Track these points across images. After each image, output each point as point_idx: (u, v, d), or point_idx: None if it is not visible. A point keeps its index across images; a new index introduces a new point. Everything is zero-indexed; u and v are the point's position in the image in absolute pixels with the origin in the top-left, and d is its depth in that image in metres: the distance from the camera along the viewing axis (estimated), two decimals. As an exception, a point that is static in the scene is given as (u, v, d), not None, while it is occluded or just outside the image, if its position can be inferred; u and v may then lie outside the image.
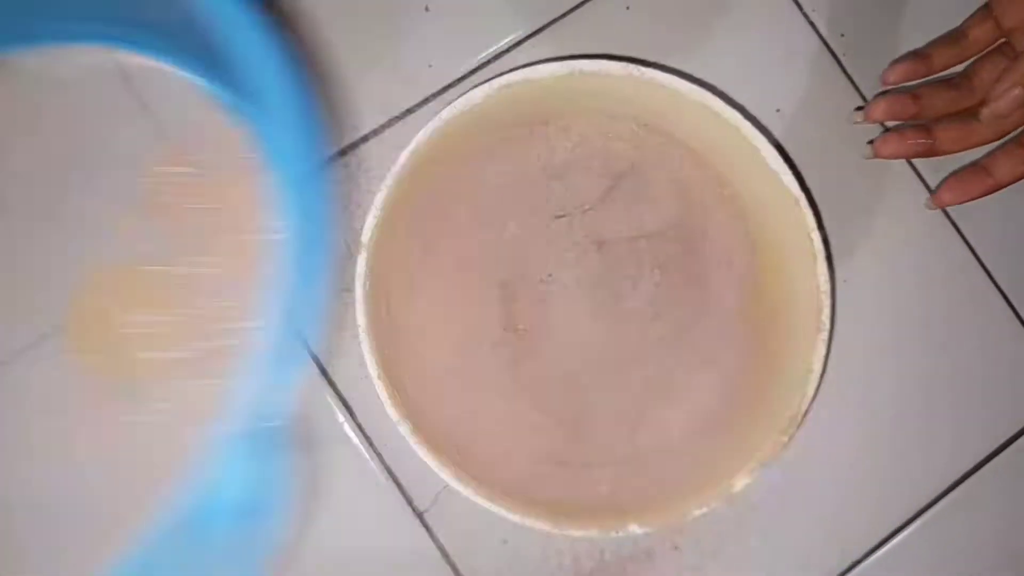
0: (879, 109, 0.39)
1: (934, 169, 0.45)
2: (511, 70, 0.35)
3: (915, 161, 0.45)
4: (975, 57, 0.40)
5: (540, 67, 0.35)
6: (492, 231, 0.40)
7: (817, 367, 0.36)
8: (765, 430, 0.36)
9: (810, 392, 0.36)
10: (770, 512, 0.43)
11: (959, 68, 0.41)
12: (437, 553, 0.41)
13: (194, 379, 0.41)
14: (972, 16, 0.40)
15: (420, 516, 0.41)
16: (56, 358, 0.40)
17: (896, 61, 0.41)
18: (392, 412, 0.34)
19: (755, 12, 0.44)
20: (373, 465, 0.41)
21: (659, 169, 0.40)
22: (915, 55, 0.41)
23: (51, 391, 0.40)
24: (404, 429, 0.34)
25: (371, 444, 0.41)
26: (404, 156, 0.34)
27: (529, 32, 0.44)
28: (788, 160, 0.36)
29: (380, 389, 0.34)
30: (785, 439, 0.35)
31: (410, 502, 0.41)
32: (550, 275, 0.41)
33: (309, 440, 0.41)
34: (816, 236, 0.36)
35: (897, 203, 0.45)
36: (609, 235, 0.41)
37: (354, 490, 0.41)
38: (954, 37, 0.40)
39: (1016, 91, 0.34)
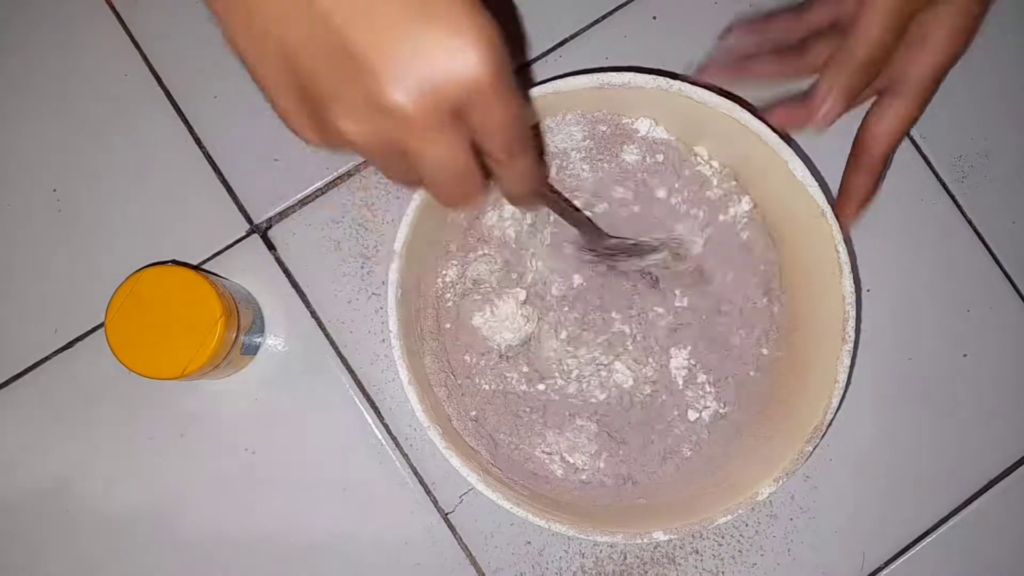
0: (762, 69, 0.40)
1: (958, 180, 0.45)
2: (542, 81, 0.35)
3: (942, 173, 0.45)
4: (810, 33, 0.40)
5: (571, 79, 0.35)
6: (517, 239, 0.41)
7: (842, 378, 0.35)
8: (790, 439, 0.36)
9: (835, 402, 0.35)
10: (790, 519, 0.43)
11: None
12: (461, 553, 0.42)
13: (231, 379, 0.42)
14: None
15: (445, 517, 0.42)
16: (95, 356, 0.41)
17: (738, 26, 0.42)
18: (422, 417, 0.34)
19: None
20: (399, 467, 0.42)
21: (687, 179, 0.40)
22: (759, 20, 0.41)
23: (89, 389, 0.41)
24: (433, 434, 0.34)
25: (398, 446, 0.42)
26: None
27: (558, 41, 0.45)
28: (815, 172, 0.36)
29: (411, 393, 0.34)
30: (810, 448, 0.35)
31: (435, 503, 0.42)
32: (577, 279, 0.41)
33: (337, 443, 0.42)
34: (842, 248, 0.36)
35: (921, 213, 0.45)
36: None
37: (380, 491, 0.42)
38: (797, 13, 0.40)
39: (836, 94, 0.36)
